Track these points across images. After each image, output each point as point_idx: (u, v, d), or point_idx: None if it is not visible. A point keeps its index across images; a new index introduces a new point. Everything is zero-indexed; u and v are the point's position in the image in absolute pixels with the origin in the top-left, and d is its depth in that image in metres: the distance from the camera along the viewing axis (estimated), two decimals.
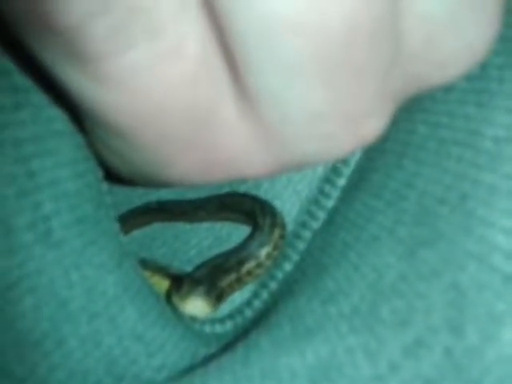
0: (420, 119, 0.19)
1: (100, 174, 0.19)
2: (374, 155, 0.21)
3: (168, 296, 0.20)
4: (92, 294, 0.16)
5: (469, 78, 0.17)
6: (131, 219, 0.28)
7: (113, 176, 0.20)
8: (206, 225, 0.28)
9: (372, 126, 0.14)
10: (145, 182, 0.18)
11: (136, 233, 0.29)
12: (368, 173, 0.21)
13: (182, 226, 0.28)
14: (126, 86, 0.11)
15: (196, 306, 0.18)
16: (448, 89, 0.18)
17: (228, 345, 0.19)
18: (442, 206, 0.16)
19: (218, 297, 0.20)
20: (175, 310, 0.20)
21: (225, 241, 0.27)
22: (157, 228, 0.29)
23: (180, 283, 0.20)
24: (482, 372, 0.12)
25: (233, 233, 0.27)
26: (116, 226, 0.19)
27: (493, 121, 0.16)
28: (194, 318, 0.21)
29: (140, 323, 0.18)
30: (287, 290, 0.21)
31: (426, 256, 0.16)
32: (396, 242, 0.17)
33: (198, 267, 0.25)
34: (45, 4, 0.09)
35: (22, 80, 0.15)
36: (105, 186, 0.19)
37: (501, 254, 0.13)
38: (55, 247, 0.15)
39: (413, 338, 0.14)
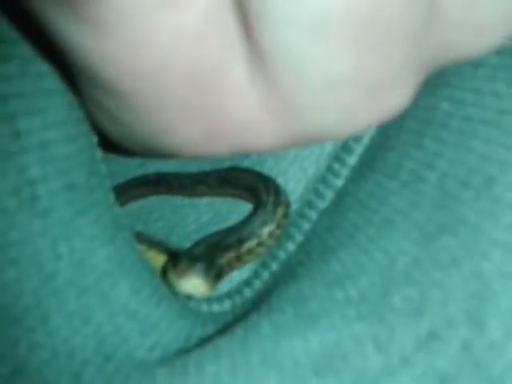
0: (443, 95, 0.17)
1: (95, 139, 0.17)
2: (390, 133, 0.19)
3: (164, 272, 0.19)
4: (81, 267, 0.15)
5: (499, 53, 0.16)
6: (127, 190, 0.27)
7: (108, 144, 0.19)
8: (205, 200, 0.27)
9: (396, 98, 0.13)
10: (143, 150, 0.16)
11: (132, 205, 0.28)
12: (383, 151, 0.19)
13: (179, 201, 0.27)
14: (123, 34, 0.10)
15: (193, 284, 0.17)
16: (476, 64, 0.17)
17: (225, 326, 0.18)
18: (465, 190, 0.15)
19: (216, 276, 0.19)
20: (171, 286, 0.18)
21: (225, 218, 0.26)
22: (154, 201, 0.27)
23: (177, 259, 0.18)
24: (505, 370, 0.11)
25: (233, 210, 0.26)
26: (111, 196, 0.18)
27: None
28: (190, 297, 0.19)
29: (133, 299, 0.16)
30: (290, 272, 0.20)
31: (445, 242, 0.14)
32: (411, 226, 0.16)
33: (197, 243, 0.24)
34: None
35: (8, 31, 0.14)
36: (99, 153, 0.18)
37: None
38: (41, 216, 0.14)
39: (427, 329, 0.13)
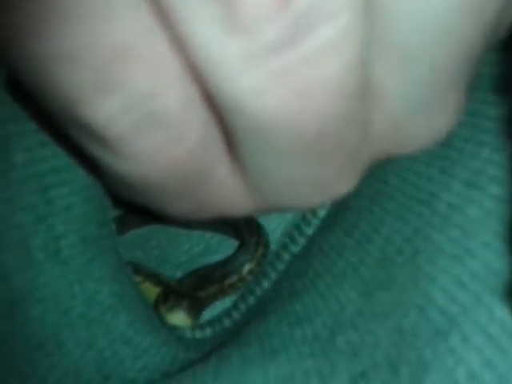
0: (393, 171, 0.21)
1: (108, 201, 0.21)
2: (349, 195, 0.23)
3: (156, 304, 0.23)
4: (90, 303, 0.19)
5: (437, 143, 0.20)
6: (130, 219, 0.31)
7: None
8: (198, 232, 0.30)
9: (342, 188, 0.16)
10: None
11: (133, 232, 0.31)
12: (344, 210, 0.23)
13: (176, 230, 0.31)
14: (136, 160, 0.13)
15: (179, 318, 0.21)
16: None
17: (205, 354, 0.21)
18: (399, 256, 0.18)
19: (199, 310, 0.23)
20: (161, 317, 0.22)
21: (214, 250, 0.30)
22: (153, 229, 0.31)
23: (167, 295, 0.22)
24: None
25: (221, 244, 0.30)
26: (115, 240, 0.22)
27: (449, 187, 0.18)
28: (176, 327, 0.23)
29: (130, 328, 0.20)
30: (262, 308, 0.24)
31: (380, 298, 0.18)
32: (359, 280, 0.19)
33: (187, 275, 0.27)
34: (72, 109, 0.11)
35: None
36: (112, 211, 0.22)
37: (435, 309, 0.16)
38: (62, 264, 0.17)
39: (359, 369, 0.17)
